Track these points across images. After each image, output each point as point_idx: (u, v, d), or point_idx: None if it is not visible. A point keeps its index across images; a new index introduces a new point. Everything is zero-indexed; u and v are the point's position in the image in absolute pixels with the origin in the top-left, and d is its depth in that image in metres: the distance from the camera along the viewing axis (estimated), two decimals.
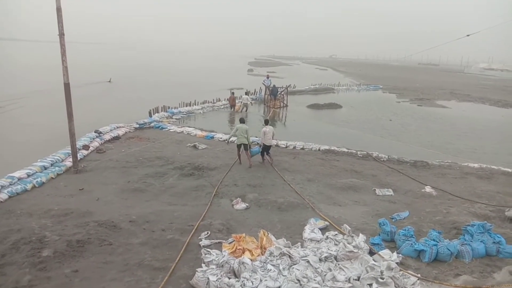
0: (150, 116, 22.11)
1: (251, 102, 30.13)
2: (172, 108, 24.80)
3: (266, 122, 14.57)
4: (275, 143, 16.29)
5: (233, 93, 29.42)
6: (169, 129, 19.78)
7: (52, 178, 11.82)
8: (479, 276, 6.65)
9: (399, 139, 21.66)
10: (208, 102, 29.23)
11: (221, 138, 17.91)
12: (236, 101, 28.96)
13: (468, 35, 26.47)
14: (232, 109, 28.29)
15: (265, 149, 13.95)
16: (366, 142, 19.48)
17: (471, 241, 7.67)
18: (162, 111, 23.72)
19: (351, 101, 36.80)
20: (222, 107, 29.53)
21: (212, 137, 18.14)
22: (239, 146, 13.74)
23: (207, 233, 8.08)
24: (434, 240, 7.46)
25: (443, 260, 7.17)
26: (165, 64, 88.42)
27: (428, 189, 11.83)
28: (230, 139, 15.39)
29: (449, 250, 7.19)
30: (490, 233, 7.91)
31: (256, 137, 18.10)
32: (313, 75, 73.51)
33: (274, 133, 14.06)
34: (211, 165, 13.37)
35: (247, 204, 9.94)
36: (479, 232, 7.89)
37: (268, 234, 7.63)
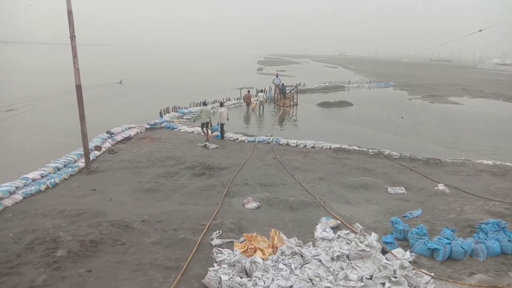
0: (161, 116, 22.25)
1: (266, 100, 30.25)
2: (182, 108, 24.92)
3: (221, 104, 19.60)
4: (226, 121, 18.41)
5: (248, 91, 29.57)
6: (180, 129, 19.89)
7: (65, 179, 11.97)
8: (495, 275, 6.54)
9: (411, 137, 21.45)
10: (218, 102, 29.28)
11: (231, 138, 17.94)
12: (252, 99, 29.11)
13: (480, 30, 26.08)
14: (248, 107, 28.41)
15: (221, 126, 17.99)
16: (378, 140, 19.32)
17: (486, 239, 7.54)
18: (172, 111, 23.85)
19: (361, 99, 36.51)
20: (232, 106, 29.58)
21: (223, 137, 18.18)
22: (203, 124, 17.44)
23: (219, 232, 8.10)
24: (447, 238, 7.36)
25: (457, 259, 7.07)
26: (176, 64, 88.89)
27: (441, 186, 11.69)
28: (196, 119, 19.71)
29: (463, 248, 7.09)
30: (506, 231, 7.77)
31: (266, 136, 18.15)
32: (323, 73, 73.22)
33: (228, 113, 18.58)
34: (222, 164, 13.41)
35: (258, 203, 9.94)
36: (494, 230, 7.76)
37: (280, 233, 7.62)
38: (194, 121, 21.14)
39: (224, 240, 7.74)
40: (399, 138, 20.91)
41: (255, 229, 8.17)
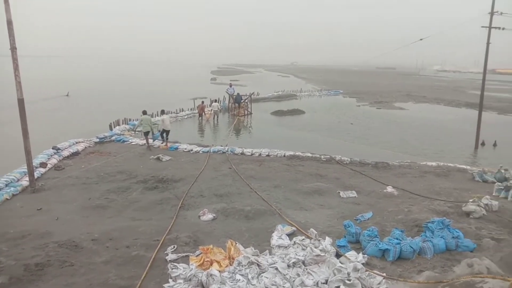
0: (111, 129, 21.55)
1: (220, 110, 30.26)
2: (133, 120, 24.26)
3: (163, 112, 20.55)
4: (170, 128, 18.97)
5: (202, 101, 29.39)
6: (131, 142, 19.33)
7: (7, 199, 11.20)
8: (441, 271, 6.89)
9: (360, 142, 22.28)
10: (171, 113, 28.87)
11: (185, 149, 17.70)
12: (206, 109, 28.97)
13: (421, 39, 27.82)
14: (201, 118, 28.21)
15: (165, 132, 18.49)
16: (329, 146, 19.90)
17: (432, 238, 7.94)
18: (123, 123, 23.18)
19: (313, 107, 37.52)
20: (186, 117, 29.27)
21: (176, 148, 17.89)
22: (145, 133, 18.00)
23: (174, 247, 7.91)
24: (397, 238, 7.67)
25: (407, 258, 7.37)
26: (128, 75, 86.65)
27: (389, 189, 12.19)
28: (137, 129, 19.96)
29: (412, 247, 7.42)
30: (449, 229, 8.23)
31: (221, 145, 18.09)
32: (276, 82, 74.44)
33: (170, 120, 19.42)
34: (176, 176, 13.17)
35: (214, 215, 9.83)
36: (439, 228, 8.19)
37: (236, 243, 7.57)
38: (134, 131, 21.06)
39: (179, 254, 7.57)
40: (349, 144, 21.65)
41: (212, 241, 8.07)
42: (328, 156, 16.40)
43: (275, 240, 7.89)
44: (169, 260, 7.28)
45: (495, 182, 12.75)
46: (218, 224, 9.40)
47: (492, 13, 20.07)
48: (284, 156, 16.73)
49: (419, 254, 7.55)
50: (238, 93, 31.78)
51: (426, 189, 12.38)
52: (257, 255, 7.05)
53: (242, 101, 31.06)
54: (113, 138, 19.94)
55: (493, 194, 11.72)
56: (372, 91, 56.10)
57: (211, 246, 7.40)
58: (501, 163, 15.12)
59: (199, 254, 7.26)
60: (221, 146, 18.20)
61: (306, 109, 34.72)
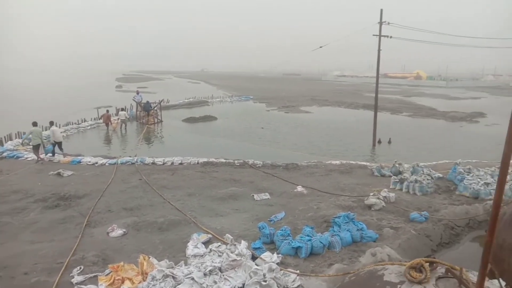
0: (2, 145, 19.30)
1: (128, 118, 28.94)
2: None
3: (52, 123, 19.19)
4: (61, 139, 18.02)
5: (107, 110, 27.78)
6: (27, 158, 17.48)
7: None
8: (349, 262, 7.36)
9: (271, 145, 22.99)
10: (72, 124, 26.84)
11: (89, 162, 16.53)
12: (112, 119, 27.41)
13: (321, 47, 29.69)
14: (108, 128, 26.63)
15: (57, 144, 17.52)
16: (242, 151, 20.18)
17: (340, 232, 8.46)
18: (16, 137, 20.91)
19: (225, 113, 37.83)
20: (89, 127, 27.43)
21: (79, 162, 16.62)
22: (35, 146, 16.66)
23: (80, 268, 7.31)
24: (308, 235, 8.03)
25: (318, 253, 7.75)
26: (23, 84, 78.51)
27: (299, 188, 12.74)
28: (25, 141, 18.76)
29: (322, 243, 7.82)
30: (354, 222, 8.86)
31: (130, 156, 17.28)
32: (186, 88, 73.62)
33: (60, 130, 18.80)
34: (80, 192, 12.21)
35: (124, 230, 9.31)
36: (345, 222, 8.77)
37: (149, 258, 7.25)
38: (22, 143, 19.48)
39: (86, 275, 7.01)
40: (261, 148, 22.21)
41: (122, 258, 7.62)
42: (242, 161, 16.61)
43: (190, 249, 7.73)
44: (75, 283, 6.72)
45: (391, 176, 14.06)
46: (129, 239, 8.92)
47: (381, 23, 22.22)
48: (198, 163, 16.53)
49: (329, 249, 7.99)
50: (147, 101, 30.75)
51: (332, 186, 13.17)
52: (172, 267, 6.84)
53: (151, 108, 30.11)
54: (4, 154, 17.83)
55: (390, 187, 12.90)
56: (280, 96, 58.37)
57: (121, 263, 7.00)
58: (396, 158, 16.79)
59: (109, 273, 6.82)
60: (130, 156, 17.36)
61: (218, 115, 34.88)
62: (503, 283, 3.56)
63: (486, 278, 3.36)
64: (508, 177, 13.10)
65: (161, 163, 16.49)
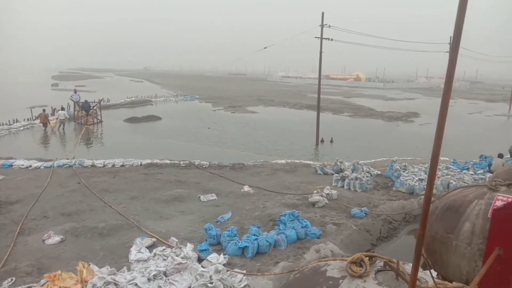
0: None
1: (68, 118, 27.43)
2: None
3: None
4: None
5: (44, 110, 26.10)
6: None
7: None
8: (294, 260, 7.52)
9: (218, 145, 22.89)
10: (3, 125, 24.91)
11: (22, 165, 15.40)
12: (50, 118, 25.86)
13: (265, 47, 30.07)
14: (45, 128, 25.05)
15: None
16: (188, 151, 19.90)
17: (285, 229, 8.61)
18: None
19: (170, 112, 37.08)
20: (22, 128, 25.62)
21: (11, 165, 15.43)
22: None
23: (12, 279, 6.80)
24: (254, 235, 8.09)
25: (264, 252, 7.84)
26: None
27: (246, 188, 12.80)
28: None
29: (268, 241, 7.91)
30: (299, 219, 9.07)
31: (68, 158, 16.35)
32: (129, 87, 71.16)
33: None
34: (12, 198, 11.33)
35: (61, 237, 8.78)
36: (290, 220, 8.95)
37: (89, 265, 6.90)
38: None
39: (19, 287, 6.52)
40: (207, 148, 22.04)
41: (60, 266, 7.18)
42: (187, 162, 16.35)
43: (133, 254, 7.47)
44: None
45: (333, 174, 14.57)
46: (67, 246, 8.44)
47: (322, 26, 22.95)
48: (141, 165, 16.02)
49: (275, 247, 8.11)
50: (86, 100, 29.34)
51: (278, 185, 13.38)
52: (114, 274, 6.56)
53: (90, 108, 28.75)
54: None
55: (333, 184, 13.38)
56: (226, 96, 58.31)
57: (59, 272, 6.58)
58: (337, 156, 17.42)
59: (45, 283, 6.40)
60: (67, 159, 16.43)
61: (162, 115, 34.11)
62: (435, 274, 3.80)
63: (420, 269, 3.58)
64: (440, 173, 14.12)
65: (101, 165, 15.78)
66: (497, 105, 57.17)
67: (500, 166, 12.60)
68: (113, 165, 15.87)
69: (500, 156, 15.14)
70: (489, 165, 15.51)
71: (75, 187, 12.75)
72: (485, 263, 1.73)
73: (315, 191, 11.68)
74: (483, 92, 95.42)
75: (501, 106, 55.64)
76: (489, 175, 13.69)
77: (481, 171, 15.34)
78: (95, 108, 29.41)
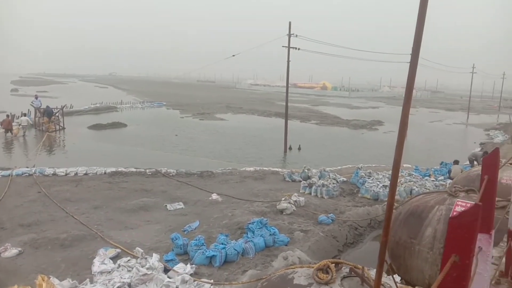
0: None
1: (31, 124, 26.39)
2: None
3: None
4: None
5: (8, 115, 24.97)
6: None
7: None
8: (262, 268, 7.50)
9: (186, 153, 22.62)
10: None
11: None
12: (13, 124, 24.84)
13: (234, 55, 30.16)
14: (8, 134, 23.98)
15: None
16: (155, 159, 19.53)
17: (253, 237, 8.60)
18: None
19: (136, 119, 36.35)
20: None
21: None
22: None
23: None
24: (222, 243, 8.02)
25: (232, 260, 7.78)
26: None
27: (214, 196, 12.70)
28: None
29: (236, 250, 7.86)
30: (267, 227, 9.08)
31: (27, 167, 15.67)
32: (93, 93, 69.28)
33: None
34: None
35: (19, 249, 8.37)
36: (259, 228, 8.95)
37: (50, 278, 6.60)
38: None
39: None
40: (175, 155, 21.73)
41: (17, 281, 6.83)
42: (154, 170, 16.03)
43: (97, 266, 7.22)
44: None
45: (301, 181, 14.72)
46: (26, 259, 8.05)
47: (289, 35, 23.29)
48: (105, 173, 15.56)
49: (243, 255, 8.07)
50: (47, 106, 28.32)
51: (246, 193, 13.36)
52: (76, 287, 6.32)
53: (53, 114, 27.74)
54: None
55: (300, 191, 13.50)
56: (194, 103, 57.83)
57: (15, 286, 6.26)
58: (305, 164, 17.63)
59: None
60: (27, 167, 15.73)
61: (128, 121, 33.37)
62: (398, 279, 3.90)
63: (385, 275, 3.65)
64: (403, 180, 14.56)
65: (63, 173, 15.21)
66: (456, 114, 59.93)
67: (459, 172, 13.19)
68: (76, 174, 15.34)
69: (456, 162, 15.86)
70: (449, 171, 16.18)
71: (35, 196, 12.22)
72: (442, 269, 1.80)
73: (283, 198, 11.75)
74: (443, 101, 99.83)
75: (460, 114, 58.39)
76: (449, 181, 14.30)
77: (442, 177, 15.98)
78: (57, 114, 28.39)
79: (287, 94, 26.40)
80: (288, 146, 24.84)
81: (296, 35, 23.48)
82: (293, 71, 24.79)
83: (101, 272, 6.97)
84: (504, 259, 4.41)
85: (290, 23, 23.24)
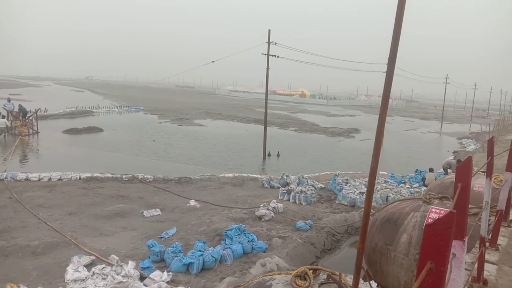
0: None
1: (9, 127, 25.67)
2: None
3: None
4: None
5: None
6: None
7: None
8: (240, 275, 7.47)
9: (163, 159, 22.37)
10: None
11: None
12: None
13: (213, 61, 30.16)
14: None
15: None
16: (132, 165, 19.23)
17: (231, 244, 8.56)
18: None
19: (112, 124, 35.77)
20: None
21: None
22: None
23: None
24: (200, 250, 7.95)
25: (210, 268, 7.72)
26: None
27: (192, 202, 12.58)
28: None
29: (213, 257, 7.80)
30: (246, 233, 9.06)
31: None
32: (69, 97, 67.83)
33: None
34: None
35: None
36: (237, 234, 8.92)
37: (20, 287, 6.39)
38: None
39: None
40: (152, 161, 21.44)
41: None
42: (130, 175, 15.78)
43: (70, 274, 7.02)
44: None
45: (280, 187, 14.78)
46: None
47: (269, 43, 23.47)
48: (80, 178, 15.21)
49: (221, 262, 8.02)
50: (20, 105, 27.75)
51: (225, 199, 13.30)
52: None
53: (26, 118, 27.03)
54: None
55: (279, 197, 13.55)
56: (172, 108, 57.34)
57: None
58: (284, 170, 17.72)
59: None
60: None
61: (105, 126, 32.80)
62: (375, 285, 3.95)
63: (361, 281, 3.70)
64: (379, 187, 14.82)
65: (36, 179, 14.78)
66: (431, 123, 61.54)
67: (433, 180, 13.54)
68: (50, 179, 14.93)
69: (431, 170, 16.27)
70: (423, 179, 16.57)
71: (5, 202, 11.81)
72: (418, 276, 1.84)
73: (261, 205, 11.75)
74: (418, 110, 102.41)
75: (434, 123, 59.98)
76: (424, 188, 14.64)
77: (417, 184, 16.36)
78: (31, 118, 27.63)
79: (266, 101, 26.55)
80: (267, 153, 24.91)
81: (276, 43, 23.69)
82: (272, 79, 25.01)
83: (75, 280, 6.78)
84: (476, 265, 4.54)
85: (269, 30, 23.43)
